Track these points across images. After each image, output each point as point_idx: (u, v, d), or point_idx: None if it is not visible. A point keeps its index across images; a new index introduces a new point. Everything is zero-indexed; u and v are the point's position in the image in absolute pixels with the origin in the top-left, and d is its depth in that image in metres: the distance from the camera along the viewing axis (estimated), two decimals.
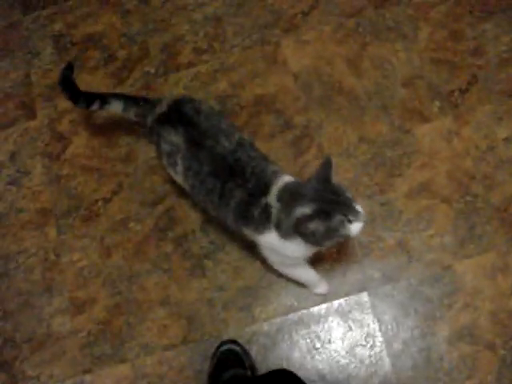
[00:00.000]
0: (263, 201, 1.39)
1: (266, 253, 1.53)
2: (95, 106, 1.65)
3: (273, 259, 1.57)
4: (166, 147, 1.51)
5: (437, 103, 1.88)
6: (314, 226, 1.29)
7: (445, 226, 1.77)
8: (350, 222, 1.32)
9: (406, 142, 1.85)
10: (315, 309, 1.73)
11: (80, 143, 1.96)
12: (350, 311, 1.71)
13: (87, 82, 2.01)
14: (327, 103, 1.90)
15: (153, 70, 2.00)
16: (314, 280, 1.68)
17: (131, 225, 1.86)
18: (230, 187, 1.42)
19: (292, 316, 1.73)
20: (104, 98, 1.64)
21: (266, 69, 1.96)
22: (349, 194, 1.35)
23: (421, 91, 1.90)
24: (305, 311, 1.73)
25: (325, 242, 1.34)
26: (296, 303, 1.74)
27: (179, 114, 1.50)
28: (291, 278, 1.70)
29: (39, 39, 2.09)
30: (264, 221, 1.39)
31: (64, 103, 1.97)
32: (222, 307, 1.76)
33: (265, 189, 1.40)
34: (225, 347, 1.64)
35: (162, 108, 1.55)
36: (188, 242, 1.81)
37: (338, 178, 1.67)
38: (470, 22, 1.97)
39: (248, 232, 1.47)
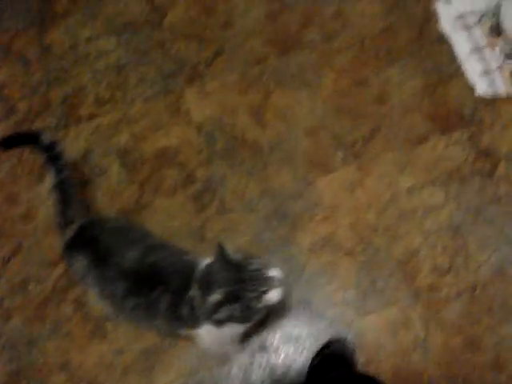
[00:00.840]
0: (188, 296, 1.32)
1: (209, 344, 1.48)
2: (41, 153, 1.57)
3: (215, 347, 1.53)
4: (77, 273, 1.47)
5: (340, 154, 1.86)
6: (228, 310, 1.25)
7: (348, 280, 1.75)
8: (264, 292, 1.26)
9: (308, 194, 1.82)
10: (217, 370, 1.68)
11: None
12: (251, 373, 1.67)
13: None
14: (230, 155, 1.86)
15: (54, 123, 1.95)
16: None
17: (31, 286, 1.80)
18: (154, 296, 1.34)
19: (193, 378, 1.69)
20: (49, 158, 1.56)
21: (169, 120, 1.92)
22: (256, 265, 1.27)
23: (324, 141, 1.87)
24: (206, 373, 1.69)
25: (248, 319, 1.29)
26: (197, 365, 1.69)
27: (84, 238, 1.45)
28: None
29: None
30: (194, 315, 1.32)
31: None
32: (122, 371, 1.71)
33: (187, 283, 1.33)
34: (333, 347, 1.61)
35: (70, 233, 1.49)
36: (88, 303, 1.76)
37: (240, 233, 1.65)
38: (376, 68, 1.95)
39: (185, 331, 1.42)
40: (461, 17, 2.00)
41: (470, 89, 1.93)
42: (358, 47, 1.98)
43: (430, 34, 2.00)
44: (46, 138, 1.57)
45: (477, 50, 1.96)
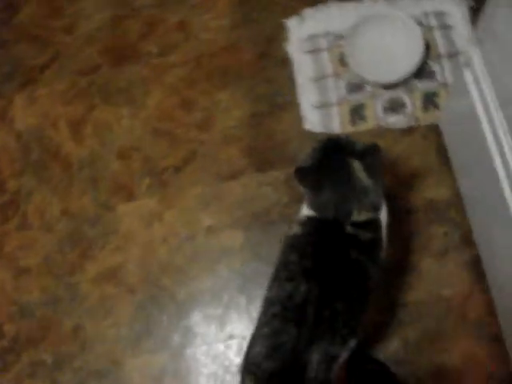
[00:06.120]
0: None
1: None
2: None
3: None
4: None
5: (147, 180, 1.74)
6: None
7: (124, 317, 1.66)
8: None
9: (107, 220, 1.74)
10: None
11: None
12: None
13: None
14: (42, 169, 1.80)
15: None
16: None
17: None
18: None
19: None
20: None
21: None
22: None
23: (135, 165, 1.76)
24: None
25: None
26: None
27: None
28: None
29: None
30: None
31: None
32: None
33: None
34: None
35: None
36: None
37: (33, 253, 1.71)
38: (206, 90, 1.80)
39: None
40: (313, 37, 1.78)
41: (301, 123, 1.72)
42: (193, 65, 1.82)
43: (275, 56, 1.80)
44: None
45: (320, 77, 1.75)
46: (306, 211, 1.29)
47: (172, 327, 1.64)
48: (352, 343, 1.21)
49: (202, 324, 1.63)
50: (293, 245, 1.28)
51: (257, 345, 1.23)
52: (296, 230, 1.29)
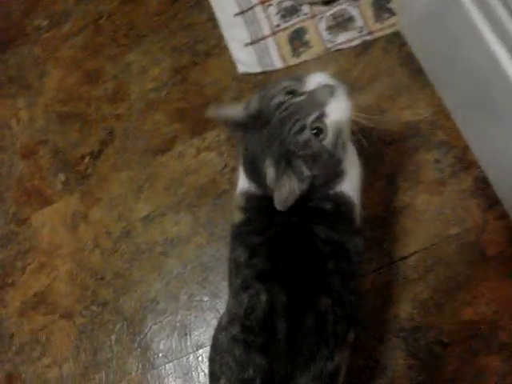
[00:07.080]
0: None
1: None
2: None
3: None
4: None
5: (61, 177, 1.40)
6: None
7: (64, 350, 1.30)
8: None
9: (21, 236, 1.39)
10: None
11: None
12: None
13: None
14: None
15: None
16: None
17: None
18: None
19: None
20: None
21: None
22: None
23: (43, 162, 1.42)
24: None
25: None
26: None
27: None
28: None
29: None
30: None
31: None
32: None
33: None
34: None
35: None
36: None
37: None
38: (112, 55, 1.46)
39: None
40: None
41: (234, 67, 1.39)
42: (91, 29, 1.49)
43: None
44: None
45: (245, 9, 1.43)
46: (243, 184, 0.94)
47: (125, 350, 1.29)
48: (350, 337, 0.89)
49: (160, 337, 1.27)
50: (237, 237, 0.94)
51: (220, 376, 0.89)
52: (237, 216, 0.95)
